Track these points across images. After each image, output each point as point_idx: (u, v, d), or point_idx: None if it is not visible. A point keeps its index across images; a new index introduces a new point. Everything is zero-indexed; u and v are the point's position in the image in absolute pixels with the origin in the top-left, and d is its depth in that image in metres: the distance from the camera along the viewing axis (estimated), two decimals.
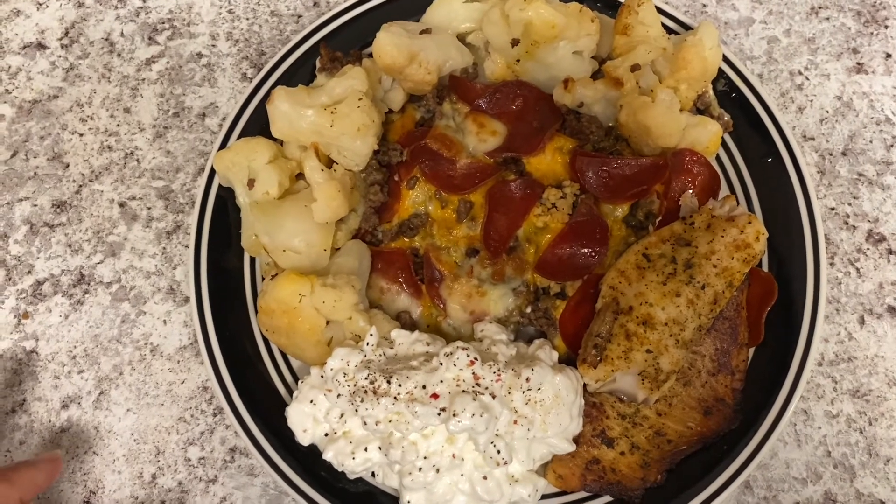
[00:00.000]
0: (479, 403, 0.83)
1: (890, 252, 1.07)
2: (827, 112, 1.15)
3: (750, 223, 0.93)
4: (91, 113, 1.19)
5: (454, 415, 0.82)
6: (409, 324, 0.98)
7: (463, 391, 0.84)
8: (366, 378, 0.86)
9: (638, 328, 0.90)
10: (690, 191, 1.00)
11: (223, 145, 1.07)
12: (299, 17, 1.25)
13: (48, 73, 1.22)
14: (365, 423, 0.85)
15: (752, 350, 0.97)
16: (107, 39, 1.25)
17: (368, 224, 1.01)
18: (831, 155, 1.13)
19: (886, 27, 1.20)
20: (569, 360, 0.95)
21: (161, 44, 1.24)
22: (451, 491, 0.87)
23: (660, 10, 1.09)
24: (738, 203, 0.98)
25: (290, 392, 0.98)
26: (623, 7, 1.03)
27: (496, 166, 1.01)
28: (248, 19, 1.25)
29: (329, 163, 1.01)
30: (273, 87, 1.06)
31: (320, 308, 0.91)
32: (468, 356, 0.85)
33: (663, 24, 1.07)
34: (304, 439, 0.89)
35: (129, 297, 1.08)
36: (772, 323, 0.97)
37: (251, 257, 1.05)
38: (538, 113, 1.03)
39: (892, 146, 1.13)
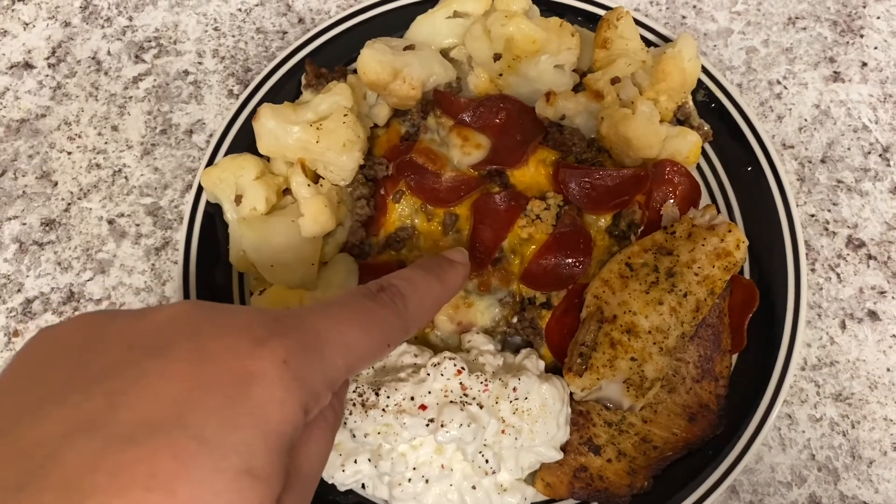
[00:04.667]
0: (467, 413, 0.84)
1: (869, 257, 1.09)
2: (805, 120, 1.17)
3: (730, 231, 0.95)
4: (79, 131, 1.20)
5: (442, 425, 0.83)
6: None
7: (451, 402, 0.85)
8: (354, 391, 0.87)
9: (622, 336, 0.91)
10: (671, 200, 1.01)
11: (210, 162, 1.07)
12: (284, 34, 1.26)
13: (36, 92, 1.23)
14: (354, 436, 0.86)
15: (735, 356, 0.98)
16: (94, 58, 1.26)
17: (355, 238, 1.02)
18: (810, 162, 1.15)
19: (862, 36, 1.23)
20: (555, 370, 0.96)
21: (148, 62, 1.25)
22: (440, 501, 0.87)
23: (639, 23, 1.10)
24: (718, 212, 1.00)
25: None
26: (603, 21, 1.05)
27: (481, 179, 1.02)
28: (233, 36, 1.26)
29: (315, 178, 1.02)
30: (259, 103, 1.07)
31: None
32: (455, 366, 0.86)
33: (643, 37, 1.08)
34: None
35: None
36: (754, 329, 0.98)
37: (239, 273, 1.06)
38: (521, 126, 1.04)
39: (869, 153, 1.15)
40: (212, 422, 0.39)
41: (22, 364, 0.44)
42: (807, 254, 1.04)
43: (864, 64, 1.21)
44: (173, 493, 0.37)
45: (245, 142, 1.08)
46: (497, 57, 1.04)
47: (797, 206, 1.04)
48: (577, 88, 1.08)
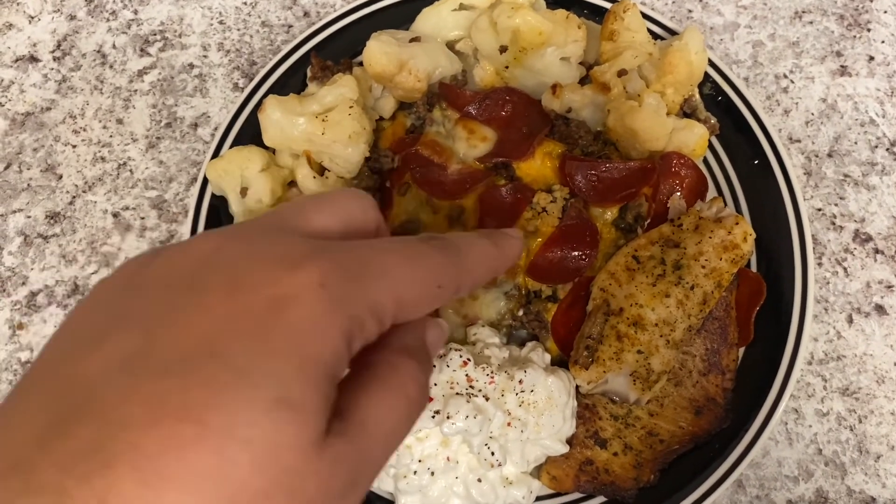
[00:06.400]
0: (473, 405, 0.83)
1: (877, 251, 1.09)
2: (812, 114, 1.17)
3: (737, 224, 0.95)
4: (84, 124, 1.20)
5: (448, 417, 0.82)
6: None
7: (456, 394, 0.85)
8: None
9: (629, 329, 0.91)
10: (678, 193, 1.01)
11: (216, 154, 1.07)
12: (290, 27, 1.26)
13: (41, 85, 1.23)
14: None
15: (742, 350, 0.98)
16: (99, 51, 1.26)
17: None
18: (817, 156, 1.14)
19: (869, 30, 1.22)
20: (561, 363, 0.96)
21: (153, 55, 1.25)
22: (446, 494, 0.87)
23: (645, 16, 1.10)
24: (725, 204, 0.99)
25: None
26: (609, 13, 1.05)
27: (486, 172, 1.02)
28: (238, 30, 1.26)
29: (321, 170, 1.02)
30: (264, 96, 1.07)
31: None
32: (461, 357, 0.86)
33: (649, 30, 1.08)
34: None
35: None
36: (761, 323, 0.98)
37: None
38: (527, 118, 1.04)
39: (876, 147, 1.14)
40: (246, 350, 0.38)
41: (75, 314, 0.45)
42: (814, 248, 1.04)
43: (871, 58, 1.20)
44: (205, 423, 0.36)
45: (250, 135, 1.08)
46: (503, 49, 1.03)
47: (804, 199, 1.03)
48: (584, 81, 1.07)
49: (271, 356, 0.38)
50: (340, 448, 0.41)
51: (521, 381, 0.87)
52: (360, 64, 1.07)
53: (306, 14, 1.27)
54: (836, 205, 1.11)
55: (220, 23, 1.27)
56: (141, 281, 0.44)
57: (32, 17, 1.29)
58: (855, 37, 1.22)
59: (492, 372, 0.87)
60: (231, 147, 1.07)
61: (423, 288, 0.48)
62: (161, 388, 0.37)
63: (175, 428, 0.36)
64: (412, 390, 0.48)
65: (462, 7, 1.09)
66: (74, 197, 1.16)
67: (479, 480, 0.87)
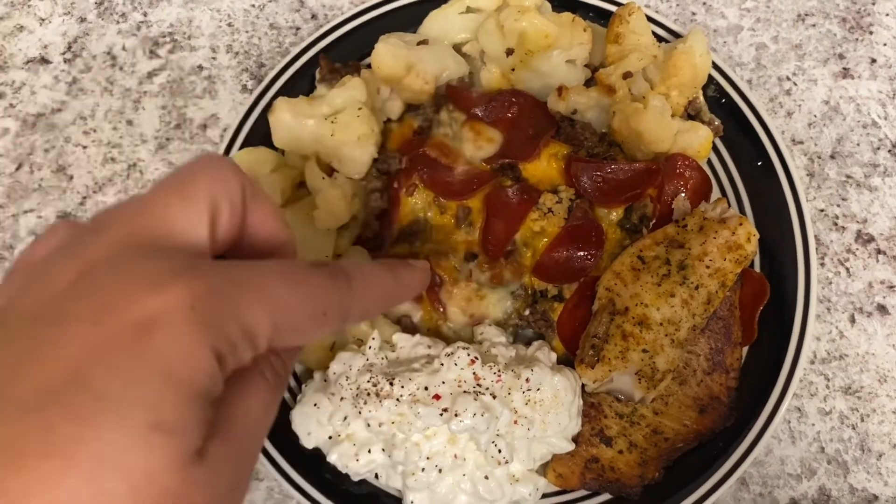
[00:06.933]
0: (481, 403, 0.85)
1: (878, 252, 1.10)
2: (815, 116, 1.18)
3: (741, 225, 0.96)
4: (94, 126, 1.21)
5: (456, 415, 0.84)
6: (410, 327, 1.00)
7: (464, 392, 0.86)
8: (368, 381, 0.88)
9: (634, 328, 0.92)
10: (683, 194, 1.02)
11: (225, 155, 1.08)
12: (298, 29, 1.27)
13: (52, 87, 1.24)
14: (368, 426, 0.87)
15: (745, 349, 0.99)
16: (109, 53, 1.27)
17: (369, 231, 1.03)
18: (820, 158, 1.15)
19: (871, 33, 1.23)
20: (567, 362, 0.97)
21: (162, 57, 1.26)
22: (453, 490, 0.88)
23: (650, 19, 1.11)
24: (729, 205, 1.00)
25: (294, 397, 0.99)
26: (615, 16, 1.06)
27: (493, 173, 1.03)
28: (247, 32, 1.28)
29: (330, 171, 1.03)
30: (273, 98, 1.08)
31: None
32: (469, 355, 0.87)
33: (654, 33, 1.09)
34: (308, 442, 0.91)
35: None
36: (765, 322, 0.99)
37: None
38: (533, 120, 1.05)
39: (878, 149, 1.15)
40: (114, 378, 0.38)
41: None
42: (816, 248, 1.05)
43: (874, 60, 1.21)
44: (71, 457, 0.35)
45: (258, 136, 1.09)
46: (509, 52, 1.05)
47: (807, 200, 1.04)
48: (589, 83, 1.09)
49: (141, 382, 0.38)
50: (218, 451, 0.42)
51: (527, 380, 0.88)
52: (368, 66, 1.08)
53: (314, 16, 1.28)
54: (838, 206, 1.12)
55: (229, 25, 1.28)
56: (6, 319, 0.43)
57: (43, 20, 1.30)
58: (857, 39, 1.23)
59: (499, 370, 0.88)
60: (240, 148, 1.08)
61: (305, 313, 0.48)
62: (21, 427, 0.36)
63: (39, 466, 0.35)
64: (270, 376, 0.49)
65: (469, 10, 1.11)
66: (85, 197, 1.17)
67: (487, 477, 0.88)
